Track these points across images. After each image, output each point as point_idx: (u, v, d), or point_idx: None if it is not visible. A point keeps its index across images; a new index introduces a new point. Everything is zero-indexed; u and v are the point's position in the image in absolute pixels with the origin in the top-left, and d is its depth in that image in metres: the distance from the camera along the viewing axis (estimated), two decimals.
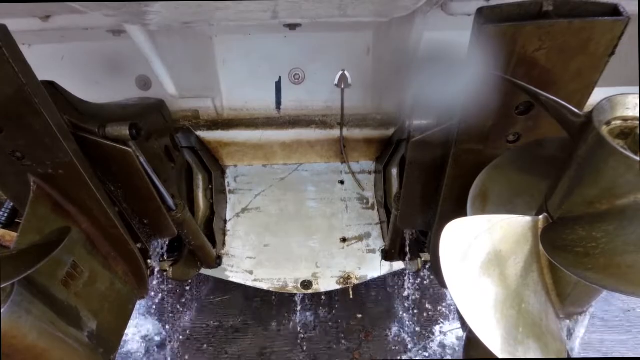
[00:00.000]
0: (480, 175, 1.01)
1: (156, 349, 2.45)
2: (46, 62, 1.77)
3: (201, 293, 2.78)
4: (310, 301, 2.65)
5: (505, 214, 0.80)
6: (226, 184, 2.18)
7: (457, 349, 2.42)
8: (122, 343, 1.36)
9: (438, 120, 1.24)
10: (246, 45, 1.82)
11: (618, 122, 0.64)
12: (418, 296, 2.67)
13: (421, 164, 1.32)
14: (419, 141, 1.25)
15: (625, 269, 0.58)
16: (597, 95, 0.80)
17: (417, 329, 2.51)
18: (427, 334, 2.49)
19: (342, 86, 1.87)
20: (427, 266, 1.83)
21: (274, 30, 1.73)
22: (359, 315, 2.58)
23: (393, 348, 2.40)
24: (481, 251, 0.77)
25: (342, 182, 2.17)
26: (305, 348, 2.40)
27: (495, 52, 0.85)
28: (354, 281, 2.13)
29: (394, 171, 1.94)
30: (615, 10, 0.80)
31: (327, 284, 2.13)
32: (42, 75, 1.01)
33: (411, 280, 2.64)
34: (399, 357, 2.36)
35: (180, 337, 2.49)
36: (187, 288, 2.79)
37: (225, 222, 2.17)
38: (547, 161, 0.91)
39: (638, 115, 0.64)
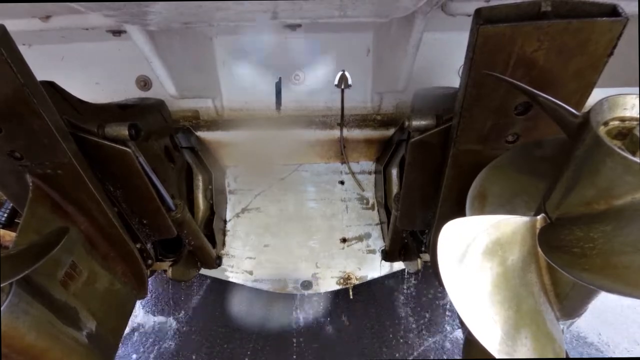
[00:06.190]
0: (479, 175, 1.01)
1: None
2: (46, 62, 1.77)
3: None
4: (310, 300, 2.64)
5: (504, 214, 0.80)
6: (226, 184, 2.18)
7: None
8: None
9: (437, 121, 1.24)
10: (246, 45, 1.82)
11: (616, 123, 0.64)
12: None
13: (421, 165, 1.32)
14: (419, 141, 1.25)
15: (622, 270, 0.58)
16: (596, 95, 0.80)
17: None
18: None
19: (342, 86, 1.88)
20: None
21: (275, 31, 1.73)
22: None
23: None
24: (479, 251, 0.77)
25: (342, 183, 2.17)
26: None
27: (493, 53, 0.85)
28: (354, 281, 2.13)
29: (394, 171, 1.94)
30: (613, 11, 0.79)
31: (327, 284, 2.13)
32: (42, 75, 1.01)
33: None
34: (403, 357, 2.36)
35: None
36: None
37: (225, 222, 2.17)
38: (545, 161, 0.90)
39: (635, 115, 0.63)
